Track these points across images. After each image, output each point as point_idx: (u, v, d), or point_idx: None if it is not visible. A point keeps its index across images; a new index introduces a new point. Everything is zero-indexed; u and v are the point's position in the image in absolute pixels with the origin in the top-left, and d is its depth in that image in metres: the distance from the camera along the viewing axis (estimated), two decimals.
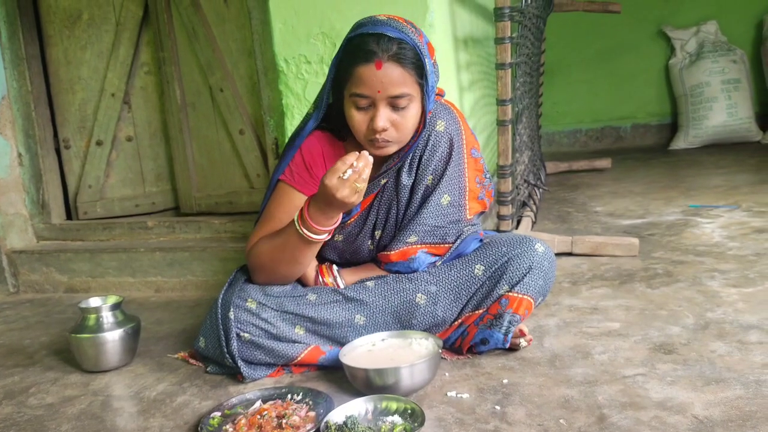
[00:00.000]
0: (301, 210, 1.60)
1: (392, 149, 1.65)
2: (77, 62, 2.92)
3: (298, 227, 1.59)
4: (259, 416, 1.44)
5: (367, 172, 1.51)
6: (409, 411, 1.40)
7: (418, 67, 1.57)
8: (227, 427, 1.42)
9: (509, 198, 2.50)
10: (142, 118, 3.00)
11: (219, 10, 2.71)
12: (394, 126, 1.60)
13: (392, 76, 1.55)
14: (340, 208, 1.55)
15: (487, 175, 1.82)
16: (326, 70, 2.22)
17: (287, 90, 2.28)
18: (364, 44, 1.55)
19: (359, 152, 1.52)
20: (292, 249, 1.64)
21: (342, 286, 1.78)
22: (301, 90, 2.27)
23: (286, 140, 2.28)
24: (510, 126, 2.46)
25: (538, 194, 3.40)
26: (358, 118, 1.61)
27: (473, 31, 2.89)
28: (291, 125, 2.30)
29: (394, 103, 1.57)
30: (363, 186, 1.52)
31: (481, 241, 1.78)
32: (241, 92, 2.74)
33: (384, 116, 1.58)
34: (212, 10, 2.72)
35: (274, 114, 2.52)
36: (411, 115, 1.60)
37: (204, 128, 2.86)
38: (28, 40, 2.84)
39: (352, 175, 1.49)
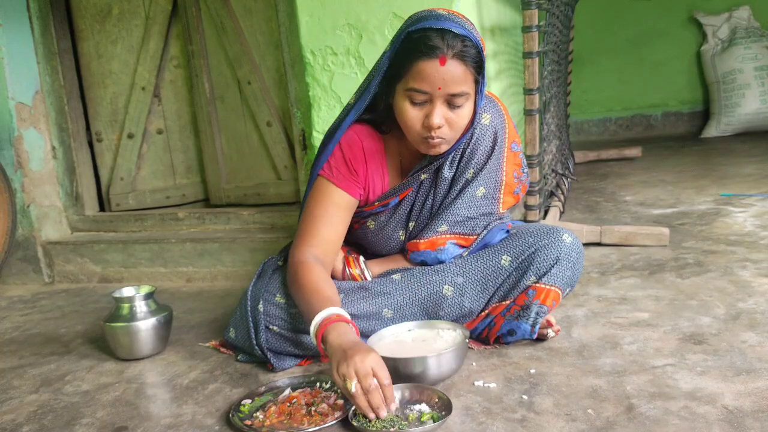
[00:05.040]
0: (321, 329, 1.46)
1: (444, 148, 1.61)
2: (108, 56, 2.97)
3: (312, 334, 1.49)
4: (288, 404, 1.46)
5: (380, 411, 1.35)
6: (437, 400, 1.41)
7: (478, 65, 1.53)
8: (258, 414, 1.44)
9: (536, 188, 2.49)
10: (172, 111, 3.03)
11: (246, 3, 2.73)
12: (449, 124, 1.55)
13: (454, 74, 1.49)
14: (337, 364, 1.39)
15: (525, 170, 1.80)
16: (352, 61, 2.22)
17: (314, 82, 2.29)
18: (427, 39, 1.49)
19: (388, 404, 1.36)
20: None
21: (369, 278, 1.79)
22: (327, 82, 2.28)
23: (313, 132, 2.30)
24: (537, 115, 2.45)
25: (566, 184, 3.38)
26: (412, 114, 1.55)
27: (500, 20, 2.87)
28: (318, 117, 2.31)
29: (451, 101, 1.53)
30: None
31: (507, 231, 1.77)
32: (269, 85, 2.76)
33: (440, 113, 1.53)
34: (240, 3, 2.74)
35: (301, 106, 2.54)
36: (465, 114, 1.57)
37: (232, 121, 2.89)
38: (60, 35, 2.89)
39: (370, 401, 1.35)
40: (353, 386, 1.33)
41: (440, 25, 1.50)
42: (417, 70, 1.51)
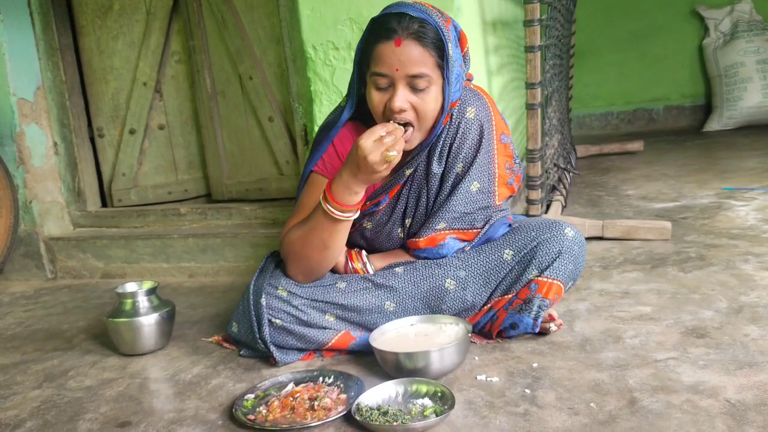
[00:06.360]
0: (326, 186, 1.60)
1: (414, 140, 1.63)
2: (109, 52, 2.97)
3: (322, 204, 1.58)
4: (291, 398, 1.46)
5: (401, 144, 1.51)
6: (439, 394, 1.41)
7: (439, 48, 1.54)
8: (261, 408, 1.45)
9: (538, 182, 2.49)
10: (173, 106, 3.03)
11: None
12: (414, 108, 1.57)
13: (411, 55, 1.52)
14: (366, 175, 1.52)
15: (517, 161, 1.81)
16: (354, 56, 2.22)
17: (315, 76, 2.29)
18: (385, 23, 1.54)
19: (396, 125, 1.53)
20: (320, 231, 1.62)
21: (371, 272, 1.79)
22: (329, 76, 2.27)
23: (315, 127, 2.30)
24: (539, 109, 2.44)
25: (568, 178, 3.38)
26: (377, 99, 1.59)
27: (502, 14, 2.87)
28: (319, 112, 2.31)
29: (413, 84, 1.55)
30: (394, 158, 1.49)
31: (510, 225, 1.77)
32: (270, 80, 2.76)
33: (402, 96, 1.55)
34: None
35: (302, 101, 2.54)
36: (430, 99, 1.57)
37: (234, 116, 2.89)
38: (61, 31, 2.89)
39: (387, 139, 1.49)
40: (392, 155, 1.49)
41: (398, 9, 1.55)
42: (377, 53, 1.56)
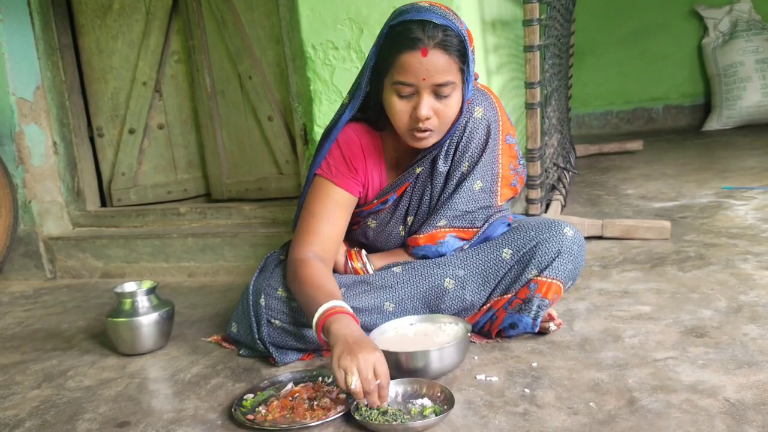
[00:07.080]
0: (323, 320, 1.47)
1: (432, 140, 1.61)
2: (109, 51, 2.97)
3: (312, 325, 1.50)
4: (290, 398, 1.46)
5: (369, 390, 1.34)
6: (439, 393, 1.41)
7: (462, 54, 1.54)
8: (260, 408, 1.45)
9: (538, 182, 2.49)
10: (173, 106, 3.03)
11: None
12: (437, 114, 1.56)
13: (438, 64, 1.50)
14: (340, 352, 1.38)
15: (521, 162, 1.80)
16: (353, 55, 2.22)
17: (315, 76, 2.29)
18: (408, 31, 1.51)
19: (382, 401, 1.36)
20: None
21: (371, 272, 1.79)
22: (328, 76, 2.27)
23: (315, 126, 2.30)
24: (539, 109, 2.44)
25: (567, 177, 3.38)
26: (400, 107, 1.56)
27: (501, 13, 2.86)
28: (319, 111, 2.31)
29: (437, 91, 1.53)
30: (344, 383, 1.34)
31: (509, 225, 1.77)
32: (270, 79, 2.75)
33: (427, 104, 1.53)
34: None
35: (302, 100, 2.53)
36: (453, 104, 1.57)
37: (233, 115, 2.89)
38: (61, 30, 2.89)
39: (366, 376, 1.34)
40: (354, 382, 1.33)
41: (420, 16, 1.51)
42: (400, 63, 1.52)
